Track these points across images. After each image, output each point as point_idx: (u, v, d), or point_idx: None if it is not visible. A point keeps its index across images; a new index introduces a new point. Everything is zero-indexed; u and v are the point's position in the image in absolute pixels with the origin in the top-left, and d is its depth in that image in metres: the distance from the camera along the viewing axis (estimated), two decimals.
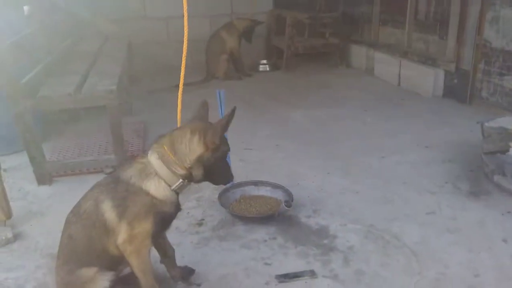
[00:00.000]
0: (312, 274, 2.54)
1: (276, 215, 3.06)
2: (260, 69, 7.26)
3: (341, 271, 2.57)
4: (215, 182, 2.27)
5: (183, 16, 2.93)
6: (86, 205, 2.11)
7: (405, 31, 6.25)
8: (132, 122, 4.81)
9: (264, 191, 3.34)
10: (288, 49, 6.97)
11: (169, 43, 7.30)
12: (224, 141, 2.15)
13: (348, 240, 2.85)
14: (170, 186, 2.08)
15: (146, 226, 2.07)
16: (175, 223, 2.97)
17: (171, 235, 2.89)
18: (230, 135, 3.26)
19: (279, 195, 3.29)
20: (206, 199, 3.34)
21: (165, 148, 2.07)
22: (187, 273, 2.53)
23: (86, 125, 4.81)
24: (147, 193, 2.06)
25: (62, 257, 2.16)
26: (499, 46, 4.79)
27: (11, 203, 3.04)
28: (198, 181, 2.17)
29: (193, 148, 2.06)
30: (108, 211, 2.05)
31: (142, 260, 2.13)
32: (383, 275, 2.53)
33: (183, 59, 2.93)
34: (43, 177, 3.58)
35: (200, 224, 3.06)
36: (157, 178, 2.07)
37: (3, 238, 2.85)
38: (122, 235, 2.05)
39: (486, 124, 3.64)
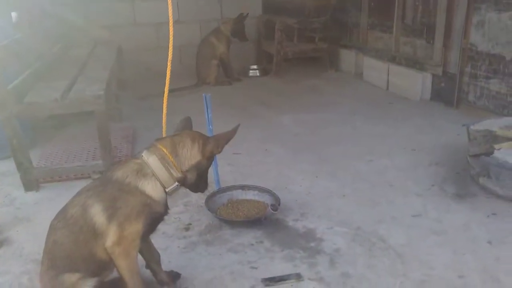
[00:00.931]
0: (298, 277, 2.55)
1: (263, 218, 3.07)
2: (250, 74, 7.29)
3: (327, 273, 2.58)
4: (197, 189, 2.35)
5: (173, 22, 2.96)
6: (73, 210, 2.11)
7: (392, 36, 6.30)
8: (121, 128, 4.81)
9: (251, 195, 3.35)
10: (277, 54, 7.01)
11: (159, 49, 7.31)
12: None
13: (334, 243, 2.87)
14: (165, 187, 2.14)
15: (136, 227, 2.09)
16: (162, 227, 3.00)
17: (158, 239, 2.91)
18: None
19: (266, 199, 3.29)
20: (194, 204, 3.35)
21: (165, 150, 2.14)
22: (173, 277, 2.52)
23: (75, 131, 4.80)
24: (143, 193, 2.09)
25: (46, 262, 2.15)
26: (485, 49, 4.85)
27: None
28: (188, 186, 2.26)
29: (194, 154, 2.19)
30: (97, 214, 2.06)
31: (131, 261, 2.13)
32: (369, 277, 2.54)
33: (168, 64, 2.95)
34: (30, 183, 3.57)
35: (187, 228, 3.06)
36: (154, 178, 2.11)
37: None
38: (111, 237, 2.05)
39: (472, 127, 3.67)
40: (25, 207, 3.39)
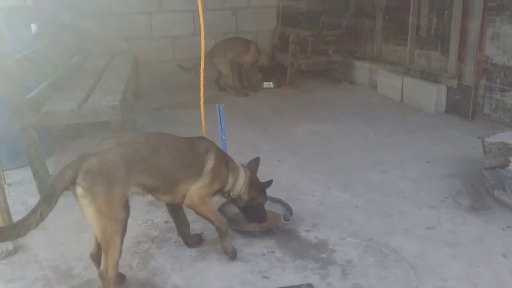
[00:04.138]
0: (310, 287, 2.54)
1: (275, 229, 3.07)
2: (264, 85, 7.32)
3: (339, 284, 2.57)
4: (246, 215, 3.10)
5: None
6: (200, 146, 2.74)
7: (407, 48, 6.30)
8: None
9: None
10: (291, 66, 7.04)
11: (174, 61, 7.41)
12: (262, 195, 3.03)
13: (346, 254, 2.85)
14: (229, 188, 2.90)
15: (215, 188, 2.77)
16: (174, 236, 3.03)
17: (171, 247, 2.95)
18: (232, 149, 3.35)
19: (278, 209, 3.30)
20: None
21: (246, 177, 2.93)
22: (197, 240, 2.98)
23: (90, 141, 4.83)
24: (228, 176, 2.84)
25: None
26: (500, 62, 4.82)
27: (14, 216, 3.09)
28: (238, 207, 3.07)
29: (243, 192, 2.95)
30: (210, 161, 2.72)
31: (210, 205, 2.79)
32: None
33: (201, 74, 3.29)
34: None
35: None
36: (233, 179, 2.88)
37: (4, 250, 2.88)
38: (200, 183, 2.67)
39: (487, 139, 3.64)
40: None
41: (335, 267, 2.72)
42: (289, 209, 3.24)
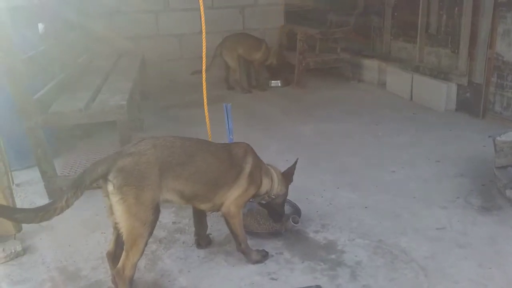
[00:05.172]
0: None
1: (283, 231, 3.04)
2: (272, 84, 7.29)
3: (348, 286, 2.54)
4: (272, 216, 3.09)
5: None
6: (238, 150, 2.74)
7: (416, 45, 6.23)
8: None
9: None
10: (299, 65, 6.99)
11: (182, 60, 7.39)
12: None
13: (356, 255, 2.82)
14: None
15: (251, 194, 2.76)
16: (182, 237, 3.01)
17: (179, 248, 2.94)
18: None
19: (286, 209, 3.26)
20: (214, 214, 3.32)
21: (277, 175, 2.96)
22: (209, 241, 2.98)
23: (98, 141, 4.87)
24: (261, 179, 2.82)
25: None
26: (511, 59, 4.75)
27: None
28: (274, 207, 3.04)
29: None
30: (248, 165, 2.71)
31: (241, 218, 2.75)
32: None
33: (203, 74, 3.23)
34: (54, 192, 3.62)
35: None
36: (271, 177, 2.91)
37: (13, 251, 2.88)
38: (238, 191, 2.67)
39: (498, 138, 3.59)
40: None
41: (344, 269, 2.69)
42: (297, 210, 3.21)
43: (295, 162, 3.05)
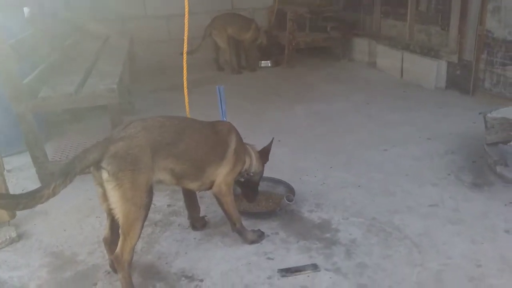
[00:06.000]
0: (315, 267, 2.54)
1: (278, 210, 3.06)
2: (262, 65, 7.24)
3: (344, 264, 2.57)
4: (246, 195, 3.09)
5: (183, 14, 3.07)
6: (222, 127, 2.76)
7: (406, 23, 6.21)
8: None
9: (265, 187, 3.33)
10: (289, 44, 6.95)
11: (170, 41, 7.31)
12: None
13: (350, 233, 2.86)
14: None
15: (238, 171, 2.79)
16: (178, 219, 3.03)
17: (175, 231, 2.95)
18: None
19: (280, 190, 3.29)
20: (209, 195, 3.34)
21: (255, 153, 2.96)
22: (204, 223, 2.99)
23: (89, 125, 4.83)
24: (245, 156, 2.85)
25: None
26: (501, 36, 4.76)
27: None
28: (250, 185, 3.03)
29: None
30: (233, 141, 2.73)
31: (233, 196, 2.77)
32: (385, 267, 2.53)
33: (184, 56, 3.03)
34: (46, 177, 3.59)
35: None
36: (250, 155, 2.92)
37: (8, 237, 2.87)
38: (226, 168, 2.68)
39: (489, 115, 3.62)
40: None
41: (339, 247, 2.72)
42: (291, 190, 3.23)
43: (271, 142, 3.05)
